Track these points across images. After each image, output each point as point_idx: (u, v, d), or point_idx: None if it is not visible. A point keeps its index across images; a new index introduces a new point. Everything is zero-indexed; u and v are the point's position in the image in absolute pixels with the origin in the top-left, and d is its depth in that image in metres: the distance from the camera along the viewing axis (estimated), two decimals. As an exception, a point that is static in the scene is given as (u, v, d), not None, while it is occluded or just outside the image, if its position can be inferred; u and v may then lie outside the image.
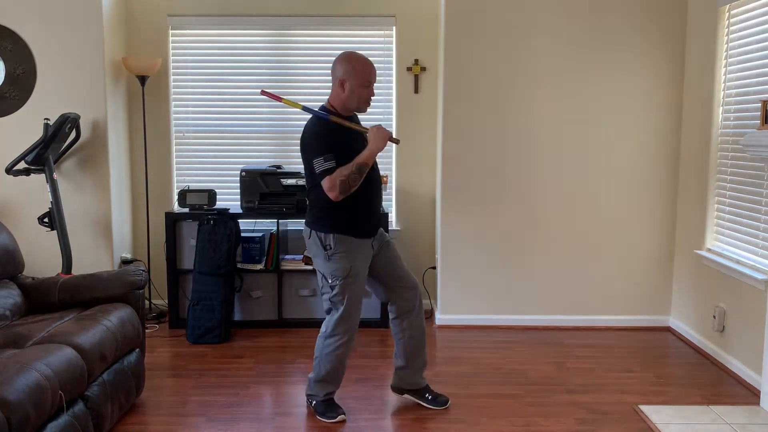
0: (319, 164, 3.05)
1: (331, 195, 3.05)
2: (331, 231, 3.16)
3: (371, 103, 3.23)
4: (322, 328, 3.27)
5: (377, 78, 3.29)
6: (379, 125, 3.14)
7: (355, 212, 3.17)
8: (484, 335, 4.57)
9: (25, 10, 4.42)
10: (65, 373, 2.64)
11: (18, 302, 3.34)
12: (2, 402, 2.28)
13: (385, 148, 3.28)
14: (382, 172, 4.83)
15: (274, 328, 4.66)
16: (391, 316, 3.40)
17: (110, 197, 4.61)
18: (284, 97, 3.50)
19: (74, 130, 4.43)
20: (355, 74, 3.11)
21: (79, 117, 4.42)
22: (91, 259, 4.56)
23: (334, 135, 3.11)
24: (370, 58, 3.21)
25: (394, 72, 4.93)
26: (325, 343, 3.24)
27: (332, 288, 3.18)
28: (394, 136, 3.20)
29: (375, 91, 3.27)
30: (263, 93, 3.35)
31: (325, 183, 3.05)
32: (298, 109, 3.34)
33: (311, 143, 3.11)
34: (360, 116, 3.36)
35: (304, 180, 3.29)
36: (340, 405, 3.33)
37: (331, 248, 3.16)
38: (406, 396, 3.48)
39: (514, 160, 4.62)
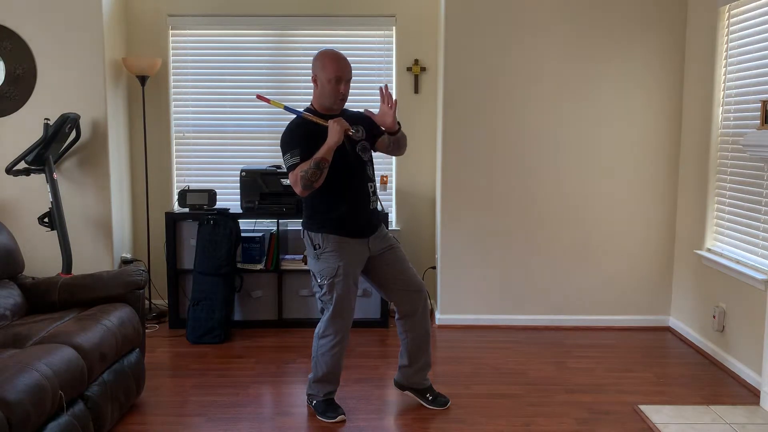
0: (286, 160, 3.11)
1: (296, 190, 3.08)
2: (320, 230, 3.18)
3: (346, 101, 3.20)
4: (317, 329, 3.29)
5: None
6: (339, 118, 3.10)
7: (343, 212, 3.17)
8: (484, 335, 4.57)
9: (25, 10, 4.42)
10: (65, 373, 2.64)
11: (18, 302, 3.34)
12: (2, 402, 2.28)
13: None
14: (382, 172, 4.89)
15: (274, 328, 4.66)
16: (395, 316, 3.40)
17: (110, 197, 4.61)
18: (272, 98, 3.49)
19: (74, 130, 4.43)
20: (323, 69, 3.11)
21: (79, 117, 4.42)
22: (91, 259, 4.56)
23: (302, 131, 3.12)
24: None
25: (394, 72, 4.92)
26: (320, 344, 3.26)
27: (321, 287, 3.20)
28: (351, 131, 3.10)
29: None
30: (258, 97, 3.36)
31: (290, 178, 3.10)
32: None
33: (282, 141, 3.17)
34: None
35: None
36: (340, 405, 3.33)
37: (320, 247, 3.17)
38: (407, 393, 3.48)
39: (514, 159, 4.62)
